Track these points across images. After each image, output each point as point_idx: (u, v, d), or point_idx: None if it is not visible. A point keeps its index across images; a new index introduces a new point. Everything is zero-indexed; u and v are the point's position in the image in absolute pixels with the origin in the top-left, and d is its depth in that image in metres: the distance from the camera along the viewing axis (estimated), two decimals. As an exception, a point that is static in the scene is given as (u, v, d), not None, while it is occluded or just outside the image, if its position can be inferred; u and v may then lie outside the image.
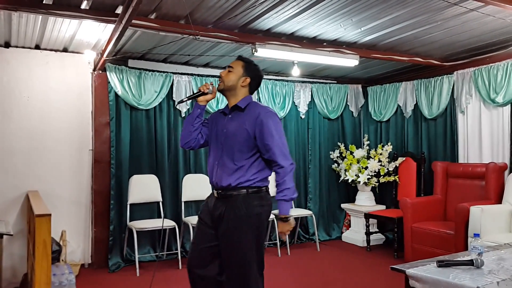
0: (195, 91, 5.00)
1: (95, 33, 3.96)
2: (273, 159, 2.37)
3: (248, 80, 2.48)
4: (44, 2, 3.14)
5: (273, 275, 4.25)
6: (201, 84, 5.11)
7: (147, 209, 4.87)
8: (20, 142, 4.37)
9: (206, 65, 5.26)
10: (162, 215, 4.83)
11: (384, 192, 5.83)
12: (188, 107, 5.07)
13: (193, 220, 4.73)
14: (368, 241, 5.37)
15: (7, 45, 4.31)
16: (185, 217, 4.90)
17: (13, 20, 3.60)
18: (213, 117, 2.61)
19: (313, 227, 5.53)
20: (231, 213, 2.36)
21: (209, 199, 2.54)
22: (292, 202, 2.41)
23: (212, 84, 2.56)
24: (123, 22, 3.06)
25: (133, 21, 3.14)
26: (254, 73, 2.52)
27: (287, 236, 2.46)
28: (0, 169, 4.27)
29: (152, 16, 3.50)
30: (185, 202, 4.96)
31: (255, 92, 5.53)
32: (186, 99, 2.61)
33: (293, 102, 5.80)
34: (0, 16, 3.50)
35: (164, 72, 4.96)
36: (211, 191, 2.56)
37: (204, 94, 2.52)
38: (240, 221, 2.35)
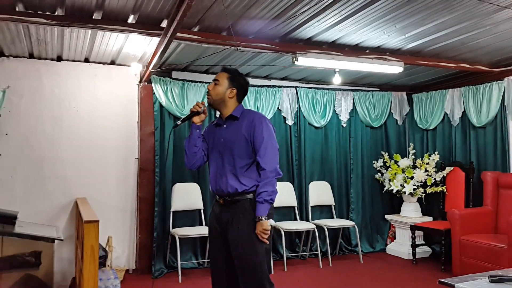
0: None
1: (141, 46, 4.10)
2: (259, 162, 2.44)
3: (235, 91, 2.57)
4: (93, 17, 3.29)
5: (315, 287, 4.18)
6: (242, 93, 5.17)
7: (189, 217, 4.95)
8: (69, 151, 4.58)
9: (246, 75, 5.25)
10: (204, 223, 4.90)
11: (431, 203, 5.62)
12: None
13: (234, 228, 4.75)
14: (414, 253, 5.19)
15: (59, 59, 4.54)
16: (226, 225, 4.92)
17: (65, 36, 3.80)
18: (208, 131, 2.71)
19: (356, 239, 5.41)
20: (240, 218, 2.44)
21: (214, 207, 2.63)
22: (270, 205, 2.42)
23: (204, 104, 2.61)
24: (168, 35, 3.15)
25: (178, 34, 3.23)
26: (240, 83, 2.60)
27: (265, 238, 2.40)
28: (51, 176, 4.48)
29: (196, 29, 3.58)
30: (226, 210, 4.99)
31: (296, 100, 5.56)
32: (181, 122, 2.64)
33: (334, 111, 5.73)
34: (54, 32, 3.70)
35: (206, 82, 5.06)
36: (215, 199, 2.64)
37: (197, 114, 2.59)
38: (250, 225, 2.42)
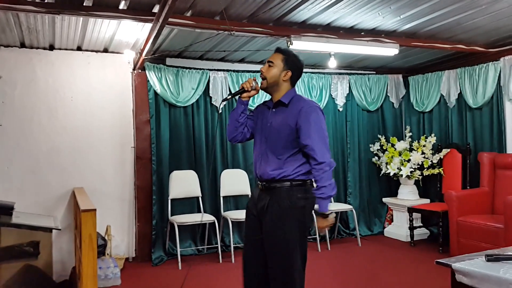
0: (231, 88, 5.10)
1: (134, 33, 4.05)
2: (311, 156, 2.35)
3: (290, 73, 2.46)
4: (84, 4, 3.24)
5: (313, 271, 4.20)
6: (236, 80, 5.14)
7: (187, 204, 4.96)
8: (65, 140, 4.55)
9: (241, 61, 5.27)
10: (202, 210, 4.91)
11: (428, 185, 5.64)
12: (225, 103, 5.10)
13: (231, 214, 4.77)
14: (411, 236, 5.23)
15: (51, 47, 4.49)
16: (224, 211, 4.94)
17: (57, 24, 3.74)
18: (258, 110, 2.62)
19: (354, 222, 5.44)
20: (275, 205, 2.39)
21: (254, 191, 2.59)
22: (332, 198, 2.41)
23: (255, 80, 2.54)
24: (160, 20, 3.10)
25: (170, 19, 3.17)
26: (295, 65, 2.49)
27: (326, 231, 2.46)
28: (47, 167, 4.47)
29: (188, 14, 3.53)
30: (223, 197, 5.01)
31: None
32: (230, 97, 2.63)
33: (330, 95, 5.71)
34: (45, 21, 3.64)
35: (200, 69, 5.02)
36: (256, 183, 2.60)
37: (247, 91, 2.51)
38: (284, 213, 2.36)
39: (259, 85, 2.53)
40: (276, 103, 2.48)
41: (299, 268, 2.39)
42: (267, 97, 2.60)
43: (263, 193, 2.46)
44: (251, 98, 2.67)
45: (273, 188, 2.41)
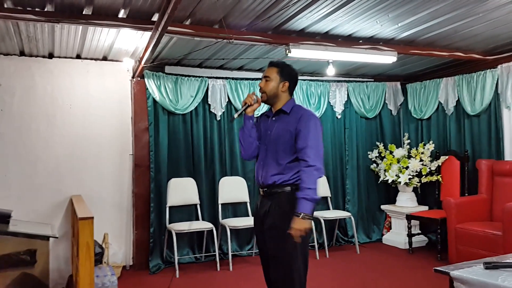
0: (229, 96, 5.12)
1: (133, 41, 4.07)
2: (303, 158, 2.42)
3: (287, 84, 2.58)
4: (84, 13, 3.26)
5: (312, 278, 4.18)
6: (235, 87, 5.17)
7: (185, 212, 4.94)
8: (63, 148, 4.55)
9: (240, 68, 5.29)
10: (200, 217, 4.89)
11: (426, 193, 5.64)
12: (223, 110, 5.13)
13: (230, 222, 4.76)
14: (410, 243, 5.22)
15: (50, 56, 4.50)
16: (222, 219, 4.93)
17: (56, 32, 3.75)
18: (259, 121, 2.73)
19: (352, 229, 5.43)
20: (276, 209, 2.47)
21: (258, 198, 2.68)
22: (313, 204, 2.37)
23: (255, 93, 2.64)
24: (159, 29, 3.12)
25: (169, 27, 3.19)
26: (290, 75, 2.60)
27: (299, 238, 2.33)
28: (45, 174, 4.46)
29: (187, 22, 3.55)
30: (222, 204, 5.00)
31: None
32: (237, 116, 2.68)
33: (329, 102, 5.73)
34: (45, 29, 3.66)
35: (199, 76, 5.04)
36: (258, 192, 2.68)
37: (250, 106, 2.60)
38: (285, 217, 2.41)
39: (260, 97, 2.63)
40: (277, 111, 2.59)
41: (299, 271, 2.42)
42: (267, 106, 2.69)
43: (265, 199, 2.54)
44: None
45: (274, 193, 2.49)
